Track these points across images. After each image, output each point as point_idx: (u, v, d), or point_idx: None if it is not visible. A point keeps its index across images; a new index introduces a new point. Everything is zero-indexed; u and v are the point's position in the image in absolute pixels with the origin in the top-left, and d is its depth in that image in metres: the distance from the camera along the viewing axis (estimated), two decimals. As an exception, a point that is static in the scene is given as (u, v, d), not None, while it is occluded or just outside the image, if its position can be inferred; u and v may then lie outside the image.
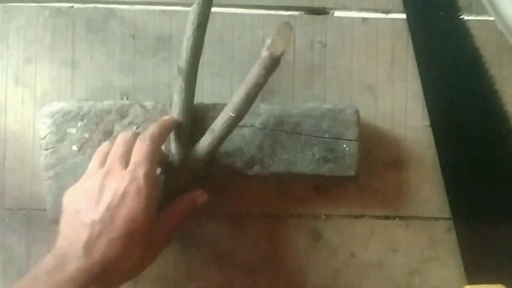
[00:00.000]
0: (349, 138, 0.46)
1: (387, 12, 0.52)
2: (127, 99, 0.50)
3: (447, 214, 0.51)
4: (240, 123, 0.45)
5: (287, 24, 0.41)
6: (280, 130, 0.46)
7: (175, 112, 0.44)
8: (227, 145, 0.45)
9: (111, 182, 0.39)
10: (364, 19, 0.51)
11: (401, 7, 0.51)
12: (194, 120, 0.46)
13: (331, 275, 0.50)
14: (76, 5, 0.51)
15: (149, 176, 0.40)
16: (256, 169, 0.46)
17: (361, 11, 0.51)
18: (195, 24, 0.43)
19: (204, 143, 0.44)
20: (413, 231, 0.51)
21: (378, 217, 0.51)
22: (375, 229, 0.51)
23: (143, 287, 0.50)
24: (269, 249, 0.50)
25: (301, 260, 0.50)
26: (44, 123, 0.47)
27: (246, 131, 0.47)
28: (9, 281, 0.50)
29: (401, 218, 0.51)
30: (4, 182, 0.50)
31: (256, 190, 0.50)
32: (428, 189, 0.51)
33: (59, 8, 0.51)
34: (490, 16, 0.51)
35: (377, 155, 0.51)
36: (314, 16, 0.51)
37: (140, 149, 0.41)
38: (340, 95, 0.51)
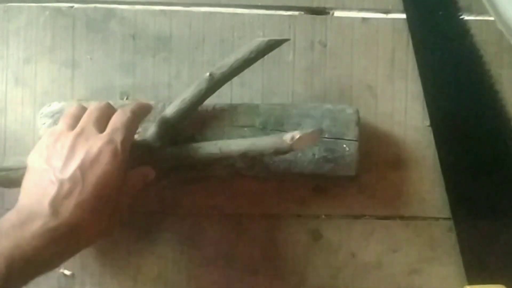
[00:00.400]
0: (349, 138, 0.46)
1: (387, 12, 0.52)
2: (127, 99, 0.50)
3: (447, 214, 0.51)
4: (240, 123, 0.45)
5: (321, 132, 0.43)
6: (280, 130, 0.46)
7: (173, 104, 0.45)
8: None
9: (84, 142, 0.39)
10: (364, 19, 0.51)
11: (401, 7, 0.51)
12: (194, 121, 0.46)
13: (331, 275, 0.50)
14: (76, 5, 0.51)
15: (126, 144, 0.40)
16: (256, 169, 0.46)
17: (361, 11, 0.51)
18: (253, 55, 0.44)
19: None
20: (413, 231, 0.51)
21: (378, 217, 0.51)
22: (375, 229, 0.51)
23: (143, 287, 0.50)
24: (269, 249, 0.50)
25: (301, 260, 0.50)
26: (44, 123, 0.47)
27: (246, 131, 0.47)
28: (9, 281, 0.50)
29: (401, 218, 0.51)
30: (4, 182, 0.50)
31: (256, 190, 0.50)
32: (428, 189, 0.51)
33: (59, 8, 0.51)
34: (490, 16, 0.51)
35: (377, 155, 0.51)
36: (314, 16, 0.51)
37: (121, 118, 0.41)
38: (340, 95, 0.51)
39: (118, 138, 0.39)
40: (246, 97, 0.50)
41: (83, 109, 0.42)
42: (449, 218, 0.50)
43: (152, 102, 0.46)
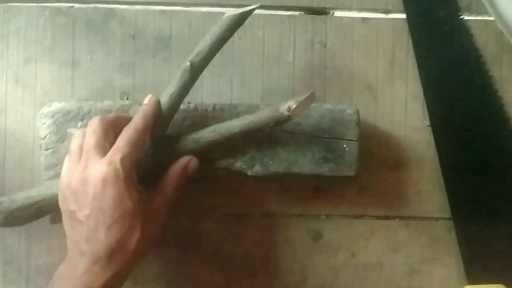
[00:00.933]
0: (349, 138, 0.46)
1: (387, 12, 0.52)
2: (127, 99, 0.50)
3: (447, 214, 0.51)
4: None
5: (314, 96, 0.43)
6: (280, 130, 0.46)
7: (163, 102, 0.44)
8: (227, 145, 0.45)
9: (90, 173, 0.39)
10: (364, 19, 0.51)
11: (401, 7, 0.51)
12: (193, 121, 0.46)
13: (331, 275, 0.50)
14: (76, 5, 0.51)
15: (127, 160, 0.40)
16: (256, 169, 0.46)
17: (361, 11, 0.51)
18: (227, 33, 0.43)
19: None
20: (413, 231, 0.51)
21: (378, 217, 0.51)
22: (375, 229, 0.51)
23: (143, 287, 0.50)
24: (269, 249, 0.50)
25: (301, 260, 0.50)
26: (44, 123, 0.47)
27: None
28: (9, 281, 0.50)
29: (401, 218, 0.51)
30: (4, 182, 0.50)
31: (256, 190, 0.50)
32: (428, 189, 0.51)
33: (59, 8, 0.51)
34: (490, 16, 0.51)
35: (377, 155, 0.51)
36: (314, 16, 0.51)
37: (123, 136, 0.41)
38: (340, 95, 0.51)
39: (117, 157, 0.40)
40: (246, 97, 0.50)
41: (83, 135, 0.42)
42: (449, 218, 0.50)
43: (150, 96, 0.44)
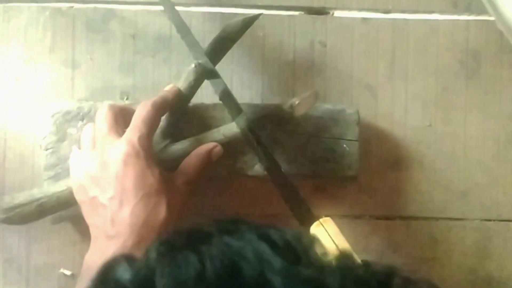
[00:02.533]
0: (349, 138, 0.46)
1: (387, 12, 0.51)
2: (127, 99, 0.50)
3: (448, 214, 0.51)
4: None
5: (317, 94, 0.43)
6: (281, 130, 0.46)
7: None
8: (227, 145, 0.45)
9: (110, 155, 0.39)
10: (364, 19, 0.51)
11: (401, 7, 0.51)
12: (190, 120, 0.46)
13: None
14: (76, 5, 0.51)
15: (145, 138, 0.40)
16: (257, 169, 0.46)
17: (361, 11, 0.51)
18: (232, 36, 0.44)
19: None
20: (413, 231, 0.51)
21: (378, 217, 0.51)
22: (375, 229, 0.51)
23: None
24: (269, 249, 0.50)
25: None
26: (44, 123, 0.47)
27: None
28: (9, 281, 0.50)
29: (402, 218, 0.51)
30: (4, 182, 0.50)
31: (256, 190, 0.50)
32: (428, 189, 0.51)
33: (59, 8, 0.51)
34: (490, 16, 0.51)
35: (377, 155, 0.51)
36: (314, 16, 0.51)
37: (140, 113, 0.41)
38: (340, 95, 0.51)
39: (135, 136, 0.40)
40: (246, 97, 0.50)
41: (92, 128, 0.43)
42: (449, 218, 0.50)
43: (172, 85, 0.44)
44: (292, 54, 0.51)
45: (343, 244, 0.40)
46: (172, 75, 0.51)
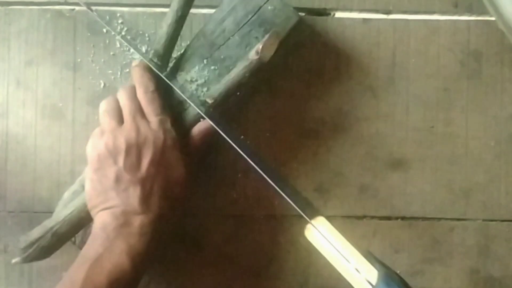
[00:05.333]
0: (266, 0, 0.46)
1: (388, 13, 0.52)
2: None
3: (449, 214, 0.51)
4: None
5: (277, 33, 0.43)
6: (215, 49, 0.46)
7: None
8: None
9: (145, 138, 0.41)
10: (365, 20, 0.51)
11: (402, 8, 0.51)
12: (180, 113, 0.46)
13: (333, 276, 0.50)
14: (77, 8, 0.51)
15: (174, 124, 0.43)
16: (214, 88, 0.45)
17: (362, 12, 0.51)
18: (179, 14, 0.45)
19: None
20: (415, 231, 0.51)
21: (380, 218, 0.51)
22: (377, 230, 0.51)
23: (146, 289, 0.50)
24: (271, 251, 0.50)
25: (303, 261, 0.50)
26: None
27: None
28: (12, 283, 0.50)
29: (403, 218, 0.51)
30: (6, 184, 0.50)
31: (258, 191, 0.50)
32: (429, 190, 0.51)
33: (60, 11, 0.51)
34: (491, 16, 0.51)
35: (379, 156, 0.51)
36: (315, 17, 0.51)
37: (151, 100, 0.43)
38: (341, 96, 0.51)
39: (168, 123, 0.42)
40: (248, 98, 0.50)
41: (115, 100, 0.44)
42: (451, 219, 0.50)
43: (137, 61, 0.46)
44: (292, 54, 0.51)
45: (342, 243, 0.39)
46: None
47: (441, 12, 0.51)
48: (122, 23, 0.51)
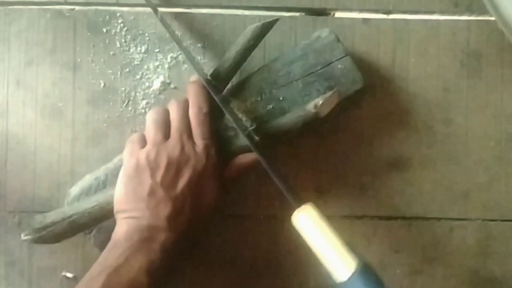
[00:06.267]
0: (339, 58, 0.47)
1: (387, 12, 0.51)
2: (128, 102, 0.50)
3: (449, 214, 0.51)
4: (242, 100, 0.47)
5: (339, 92, 0.44)
6: (276, 88, 0.47)
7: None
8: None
9: (188, 158, 0.41)
10: (365, 19, 0.51)
11: (402, 8, 0.51)
12: None
13: (333, 276, 0.50)
14: (77, 8, 0.51)
15: (219, 151, 0.43)
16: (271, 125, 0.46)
17: (362, 12, 0.51)
18: (251, 43, 0.45)
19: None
20: (415, 231, 0.51)
21: (380, 218, 0.51)
22: (377, 230, 0.51)
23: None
24: (272, 251, 0.50)
25: (303, 262, 0.50)
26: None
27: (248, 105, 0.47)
28: (12, 283, 0.50)
29: (403, 218, 0.51)
30: (6, 184, 0.50)
31: (259, 191, 0.50)
32: (429, 189, 0.51)
33: (60, 11, 0.51)
34: (491, 16, 0.50)
35: (379, 156, 0.51)
36: (315, 17, 0.51)
37: (202, 123, 0.43)
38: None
39: (213, 150, 0.42)
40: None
41: (166, 112, 0.44)
42: (451, 219, 0.50)
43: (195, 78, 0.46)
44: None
45: (327, 231, 0.40)
46: (173, 76, 0.51)
47: (441, 12, 0.51)
48: (122, 23, 0.51)
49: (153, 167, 0.41)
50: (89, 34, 0.51)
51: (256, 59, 0.50)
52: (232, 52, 0.45)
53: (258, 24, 0.45)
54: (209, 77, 0.45)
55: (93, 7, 0.51)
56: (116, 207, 0.42)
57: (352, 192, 0.51)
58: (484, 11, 0.51)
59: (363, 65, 0.51)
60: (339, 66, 0.47)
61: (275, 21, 0.46)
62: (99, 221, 0.44)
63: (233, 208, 0.50)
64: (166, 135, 0.43)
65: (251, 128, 0.44)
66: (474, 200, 0.51)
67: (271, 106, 0.47)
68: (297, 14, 0.51)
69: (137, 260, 0.39)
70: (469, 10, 0.51)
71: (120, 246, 0.40)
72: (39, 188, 0.50)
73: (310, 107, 0.43)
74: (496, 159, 0.51)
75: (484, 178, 0.51)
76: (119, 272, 0.38)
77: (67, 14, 0.51)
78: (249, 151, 0.44)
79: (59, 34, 0.51)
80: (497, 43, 0.51)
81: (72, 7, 0.51)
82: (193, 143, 0.42)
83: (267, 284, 0.50)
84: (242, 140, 0.44)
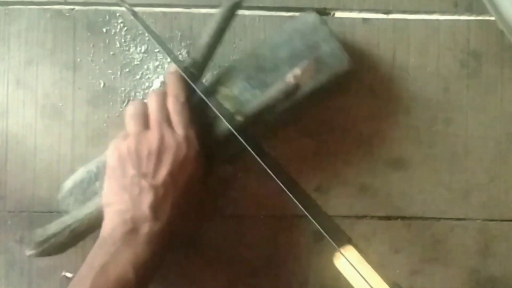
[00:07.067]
0: (324, 40, 0.46)
1: (387, 12, 0.52)
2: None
3: (449, 214, 0.51)
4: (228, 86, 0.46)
5: (316, 59, 0.44)
6: (263, 73, 0.46)
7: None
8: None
9: (168, 146, 0.41)
10: (365, 19, 0.51)
11: (402, 8, 0.51)
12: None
13: (334, 277, 0.50)
14: (77, 7, 0.51)
15: (199, 138, 0.43)
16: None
17: (362, 12, 0.51)
18: (221, 26, 0.45)
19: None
20: (415, 231, 0.51)
21: (380, 218, 0.51)
22: (377, 230, 0.51)
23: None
24: (272, 251, 0.50)
25: (303, 261, 0.50)
26: (68, 204, 0.47)
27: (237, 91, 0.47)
28: (12, 283, 0.50)
29: (403, 218, 0.51)
30: (6, 184, 0.50)
31: (258, 191, 0.50)
32: (429, 189, 0.51)
33: (60, 11, 0.51)
34: (491, 16, 0.51)
35: (379, 156, 0.51)
36: (315, 17, 0.51)
37: (180, 111, 0.43)
38: (341, 95, 0.51)
39: (192, 134, 0.42)
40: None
41: (144, 104, 0.44)
42: (451, 219, 0.50)
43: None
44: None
45: (371, 274, 0.39)
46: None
47: (441, 12, 0.51)
48: (122, 22, 0.51)
49: (134, 158, 0.41)
50: (89, 34, 0.51)
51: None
52: (204, 38, 0.45)
53: (225, 5, 0.44)
54: (186, 66, 0.44)
55: (93, 7, 0.51)
56: (104, 201, 0.42)
57: (352, 192, 0.51)
58: (484, 11, 0.51)
59: (363, 65, 0.51)
60: (325, 48, 0.46)
61: (241, 0, 0.45)
62: (99, 225, 0.44)
63: (233, 208, 0.50)
64: (146, 126, 0.42)
65: (234, 112, 0.44)
66: (474, 200, 0.51)
67: (259, 91, 0.46)
68: (297, 14, 0.51)
69: (122, 256, 0.39)
70: (469, 10, 0.51)
71: (105, 244, 0.40)
72: (39, 188, 0.50)
73: (289, 78, 0.43)
74: (496, 158, 0.51)
75: (484, 178, 0.51)
76: (105, 270, 0.38)
77: (67, 14, 0.51)
78: (234, 136, 0.43)
79: (59, 34, 0.51)
80: (497, 43, 0.51)
81: (72, 7, 0.51)
82: (173, 132, 0.42)
83: (267, 284, 0.50)
84: (226, 126, 0.44)
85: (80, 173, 0.47)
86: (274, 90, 0.44)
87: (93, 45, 0.51)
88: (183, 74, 0.44)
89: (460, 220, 0.51)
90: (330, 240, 0.40)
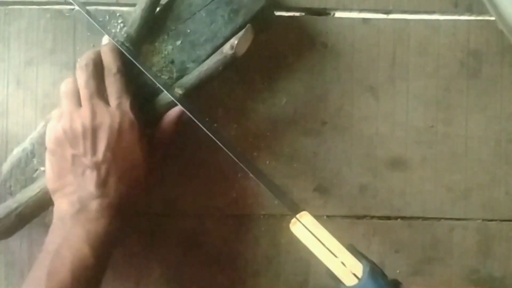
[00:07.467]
0: None
1: (387, 12, 0.51)
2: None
3: (449, 214, 0.51)
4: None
5: (251, 28, 0.44)
6: (181, 23, 0.46)
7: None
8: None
9: (101, 121, 0.41)
10: (364, 19, 0.51)
11: (402, 8, 0.51)
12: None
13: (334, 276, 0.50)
14: (77, 7, 0.51)
15: (134, 107, 0.42)
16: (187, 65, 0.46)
17: (362, 12, 0.51)
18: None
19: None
20: (415, 231, 0.51)
21: (380, 218, 0.51)
22: (377, 230, 0.51)
23: (146, 289, 0.50)
24: (271, 250, 0.50)
25: (303, 261, 0.50)
26: (10, 186, 0.47)
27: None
28: (11, 284, 0.50)
29: (403, 218, 0.51)
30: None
31: (258, 190, 0.50)
32: (429, 189, 0.51)
33: (60, 11, 0.51)
34: (491, 16, 0.51)
35: (379, 156, 0.51)
36: (315, 17, 0.51)
37: (113, 82, 0.42)
38: (341, 96, 0.51)
39: (127, 107, 0.42)
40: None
41: (74, 81, 0.43)
42: (451, 219, 0.50)
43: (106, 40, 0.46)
44: (293, 55, 0.51)
45: (327, 237, 0.40)
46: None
47: (441, 12, 0.51)
48: (122, 22, 0.51)
49: (70, 138, 0.41)
50: (89, 34, 0.51)
51: (256, 58, 0.51)
52: (137, 11, 0.45)
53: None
54: (119, 39, 0.44)
55: (93, 7, 0.51)
56: (49, 187, 0.42)
57: (352, 192, 0.51)
58: (484, 11, 0.51)
59: (363, 65, 0.51)
60: None
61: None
62: (45, 207, 0.44)
63: (233, 208, 0.50)
64: (78, 103, 0.42)
65: (174, 85, 0.44)
66: (474, 200, 0.51)
67: (179, 41, 0.46)
68: (297, 14, 0.51)
69: (74, 235, 0.39)
70: (469, 10, 0.51)
71: (57, 228, 0.40)
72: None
73: (227, 48, 0.43)
74: (496, 159, 0.51)
75: (484, 178, 0.51)
76: (61, 252, 0.38)
77: (67, 14, 0.51)
78: (174, 106, 0.43)
79: (59, 34, 0.51)
80: (497, 43, 0.51)
81: (72, 7, 0.51)
82: (106, 104, 0.41)
83: (266, 284, 0.50)
84: (165, 97, 0.44)
85: (16, 153, 0.47)
86: (212, 62, 0.44)
87: (93, 45, 0.51)
88: (116, 45, 0.44)
89: (460, 220, 0.51)
90: (286, 206, 0.42)
